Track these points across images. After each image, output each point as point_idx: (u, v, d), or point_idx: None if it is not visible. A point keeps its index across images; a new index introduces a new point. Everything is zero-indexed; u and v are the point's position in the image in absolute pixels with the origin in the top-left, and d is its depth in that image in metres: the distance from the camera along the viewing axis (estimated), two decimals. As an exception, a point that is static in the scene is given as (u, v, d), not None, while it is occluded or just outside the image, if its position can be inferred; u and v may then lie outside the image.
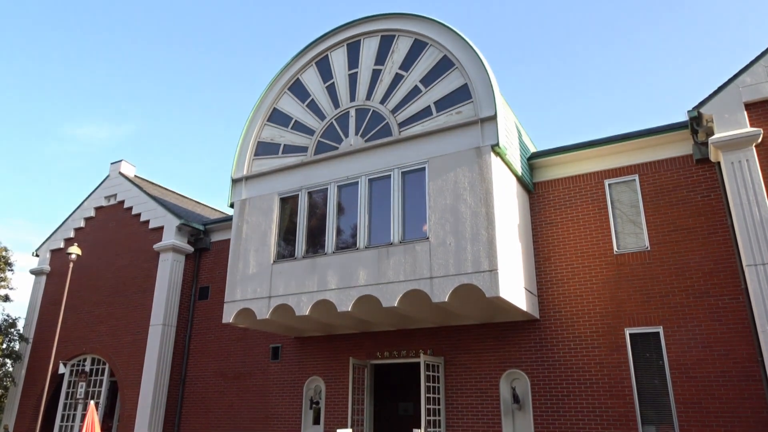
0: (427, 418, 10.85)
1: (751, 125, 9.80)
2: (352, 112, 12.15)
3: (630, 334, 10.37)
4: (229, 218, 15.77)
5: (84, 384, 16.37)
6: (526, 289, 10.75)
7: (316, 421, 13.14)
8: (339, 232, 11.66)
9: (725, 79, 10.18)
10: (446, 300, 9.79)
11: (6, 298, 18.04)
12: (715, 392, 9.43)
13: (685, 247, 10.37)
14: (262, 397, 13.92)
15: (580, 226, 11.42)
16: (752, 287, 9.04)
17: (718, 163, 10.27)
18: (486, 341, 11.59)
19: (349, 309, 10.68)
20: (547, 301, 11.28)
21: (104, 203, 18.36)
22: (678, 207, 10.65)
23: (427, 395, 10.98)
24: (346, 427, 11.98)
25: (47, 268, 18.66)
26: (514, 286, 10.10)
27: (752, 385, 9.21)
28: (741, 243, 9.37)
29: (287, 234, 12.22)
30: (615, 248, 10.97)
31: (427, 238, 10.38)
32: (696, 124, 10.32)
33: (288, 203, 12.45)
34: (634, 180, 11.25)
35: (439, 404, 11.47)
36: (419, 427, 10.65)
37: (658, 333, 10.15)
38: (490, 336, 11.58)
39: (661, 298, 10.28)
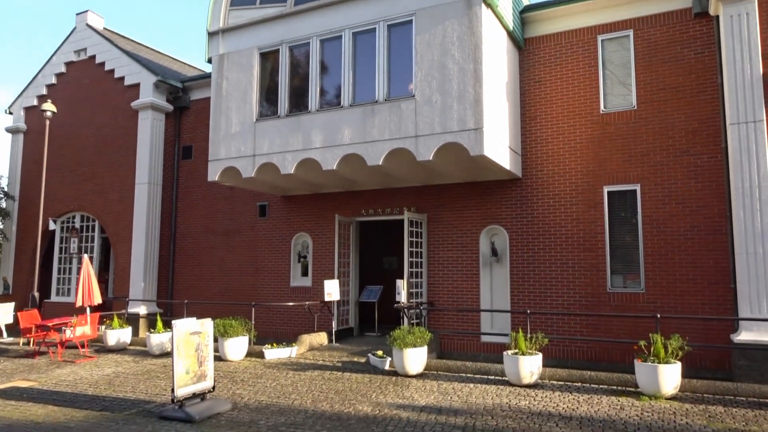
0: (410, 270, 11.46)
1: (758, -25, 9.25)
2: (335, -44, 11.18)
3: (608, 192, 10.68)
4: (208, 75, 15.17)
5: (76, 240, 16.81)
6: (510, 148, 10.81)
7: (305, 273, 13.84)
8: (323, 89, 11.34)
9: None
10: (431, 158, 9.85)
11: (-15, 157, 17.76)
12: (683, 245, 9.98)
13: (671, 106, 10.32)
14: (252, 251, 14.48)
15: (568, 85, 11.21)
16: (732, 145, 9.17)
17: (717, 17, 9.86)
18: (468, 199, 11.90)
19: (335, 167, 10.75)
20: (530, 160, 11.40)
21: (74, 58, 17.44)
22: (669, 64, 10.41)
23: (410, 249, 11.50)
24: (333, 278, 12.66)
25: (23, 126, 18.20)
26: (498, 145, 10.13)
27: (719, 238, 9.74)
28: (728, 101, 9.32)
29: (269, 92, 11.86)
30: (602, 107, 10.88)
31: (413, 96, 10.16)
32: (700, -27, 9.72)
33: (269, 60, 11.93)
34: (628, 36, 10.84)
35: (421, 257, 12.06)
36: (402, 278, 11.29)
37: (635, 190, 10.46)
38: (472, 194, 11.86)
39: (642, 156, 10.44)
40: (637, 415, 6.77)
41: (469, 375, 9.18)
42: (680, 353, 7.86)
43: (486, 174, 11.31)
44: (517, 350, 8.59)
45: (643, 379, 7.71)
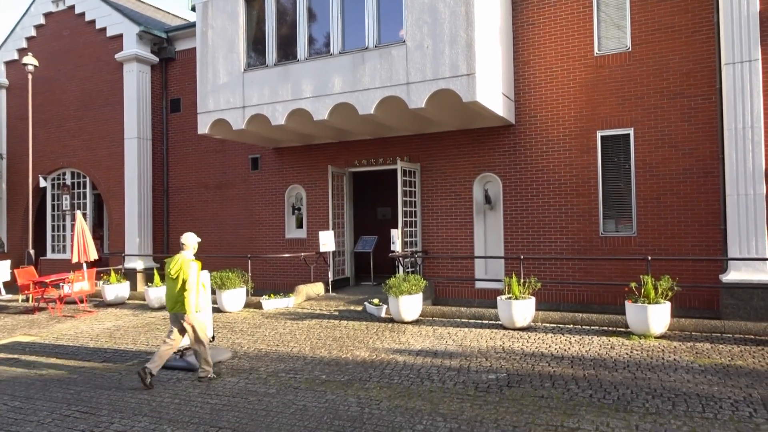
0: (404, 219, 11.51)
1: None
2: None
3: (601, 137, 10.62)
4: (192, 24, 14.72)
5: (68, 196, 16.70)
6: (503, 94, 10.66)
7: (299, 225, 13.88)
8: (311, 37, 11.05)
9: None
10: (423, 106, 9.72)
11: (-32, 114, 17.42)
12: (675, 188, 10.02)
13: (666, 47, 10.14)
14: (246, 204, 14.46)
15: (562, 27, 10.96)
16: (726, 86, 9.07)
17: (716, -48, 9.56)
18: (461, 147, 11.82)
19: (326, 117, 10.60)
20: (523, 105, 11.27)
21: (53, 8, 16.83)
22: (665, 3, 10.16)
23: (404, 199, 11.51)
24: (327, 230, 12.71)
25: (5, 81, 17.73)
26: (491, 91, 9.99)
27: (710, 180, 9.77)
28: (723, 40, 9.16)
29: (257, 41, 11.55)
30: (596, 50, 10.68)
31: (404, 41, 9.92)
32: None
33: (254, 7, 11.56)
34: (625, -26, 10.53)
35: (415, 207, 12.09)
36: (396, 227, 11.35)
37: (628, 135, 10.41)
38: (465, 142, 11.78)
39: (636, 100, 10.33)
40: (627, 354, 6.98)
41: (463, 320, 9.37)
42: (670, 294, 8.03)
43: (479, 121, 11.20)
44: (510, 295, 8.74)
45: (633, 319, 7.90)
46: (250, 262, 12.39)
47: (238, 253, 13.99)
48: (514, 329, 8.50)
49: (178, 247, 15.07)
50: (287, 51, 11.23)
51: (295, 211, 13.97)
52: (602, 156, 10.64)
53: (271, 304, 11.12)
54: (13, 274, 14.39)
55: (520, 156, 11.29)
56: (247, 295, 11.56)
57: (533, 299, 8.69)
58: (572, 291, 10.74)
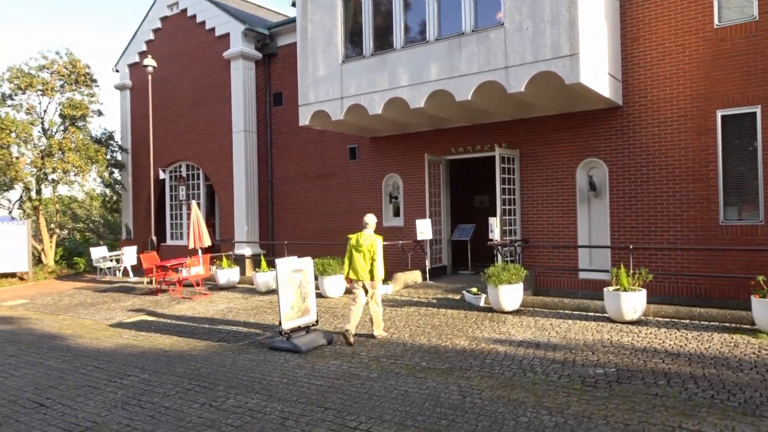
0: (503, 207, 11.27)
1: None
2: None
3: (722, 116, 9.73)
4: (292, 20, 15.26)
5: (184, 187, 18.05)
6: (609, 74, 10.07)
7: (396, 214, 14.03)
8: (407, 25, 11.05)
9: None
10: (522, 90, 9.42)
11: (99, 113, 19.26)
12: (810, 172, 8.99)
13: (802, 14, 9.07)
14: (344, 194, 14.84)
15: (677, -1, 10.13)
16: None
17: None
18: (563, 131, 11.34)
19: (422, 105, 10.59)
20: (632, 86, 10.59)
21: (168, 12, 18.15)
22: (802, -36, 9.08)
23: (502, 186, 11.26)
24: (424, 218, 12.74)
25: (128, 82, 19.42)
26: (596, 72, 9.47)
27: None
28: None
29: (353, 32, 11.74)
30: (716, 21, 9.78)
31: (502, 24, 9.65)
32: None
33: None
34: (752, -65, 9.52)
35: (514, 194, 11.79)
36: (495, 215, 11.14)
37: (754, 113, 9.45)
38: (567, 126, 11.29)
39: (764, 75, 9.34)
40: (754, 353, 6.39)
41: (566, 311, 9.05)
42: (805, 288, 7.25)
43: (582, 104, 10.68)
44: (618, 286, 8.31)
45: (760, 316, 7.22)
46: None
47: (338, 241, 14.40)
48: (623, 322, 8.08)
49: (282, 235, 15.77)
50: (383, 41, 11.32)
51: (392, 200, 14.13)
52: (723, 137, 9.75)
53: (370, 290, 11.35)
54: (138, 259, 15.84)
55: (628, 139, 10.63)
56: (347, 281, 11.87)
57: (644, 291, 8.19)
58: (687, 284, 10.00)
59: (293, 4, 12.74)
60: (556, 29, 9.05)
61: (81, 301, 13.04)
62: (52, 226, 19.56)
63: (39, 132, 18.20)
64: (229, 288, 13.59)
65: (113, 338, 8.96)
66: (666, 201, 10.24)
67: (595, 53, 9.44)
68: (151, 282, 14.79)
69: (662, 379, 5.65)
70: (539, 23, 9.22)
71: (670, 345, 6.87)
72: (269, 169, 16.46)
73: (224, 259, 13.96)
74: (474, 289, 10.12)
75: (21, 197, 18.99)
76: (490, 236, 11.04)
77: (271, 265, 13.27)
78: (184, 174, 18.21)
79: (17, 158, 17.43)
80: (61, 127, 18.38)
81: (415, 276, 12.28)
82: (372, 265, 7.83)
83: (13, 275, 16.99)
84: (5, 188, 18.62)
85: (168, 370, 6.93)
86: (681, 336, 7.25)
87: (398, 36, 11.03)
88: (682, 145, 10.08)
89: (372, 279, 7.86)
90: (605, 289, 8.39)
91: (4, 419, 5.48)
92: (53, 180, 17.96)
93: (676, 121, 10.14)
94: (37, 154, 17.47)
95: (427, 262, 12.63)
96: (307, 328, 7.95)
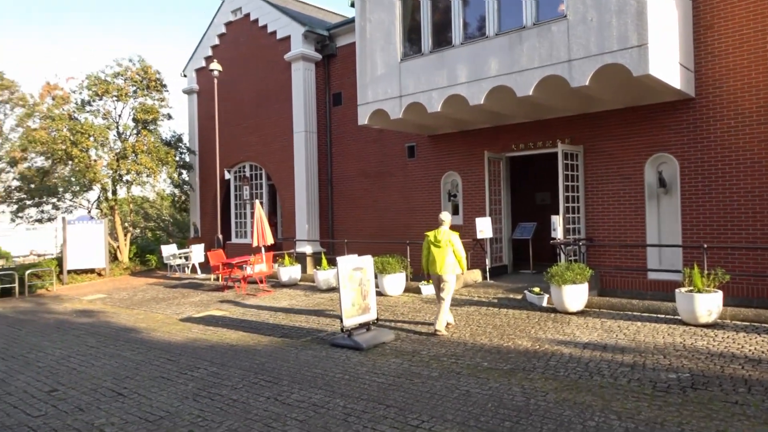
0: (566, 205, 10.96)
1: None
2: None
3: (808, 106, 9.09)
4: (350, 21, 15.41)
5: (247, 187, 18.62)
6: (680, 64, 9.60)
7: (455, 212, 13.92)
8: (465, 21, 10.94)
9: None
10: (587, 84, 9.12)
11: (169, 117, 20.16)
12: None
13: None
14: (403, 192, 14.87)
15: (757, -18, 9.52)
16: None
17: None
18: (630, 126, 10.90)
19: (482, 102, 10.45)
20: (705, 76, 10.04)
21: (232, 18, 18.76)
22: None
23: (565, 183, 10.95)
24: (484, 216, 12.58)
25: (196, 86, 20.21)
26: (666, 62, 9.04)
27: None
28: None
29: (412, 30, 11.73)
30: (802, 4, 9.13)
31: (565, 16, 9.37)
32: None
33: (409, -4, 11.74)
34: None
35: (577, 191, 11.44)
36: (557, 213, 10.86)
37: None
38: (635, 120, 10.84)
39: None
40: None
41: (635, 313, 8.70)
42: None
43: (651, 96, 10.23)
44: (691, 287, 7.91)
45: None
46: (408, 248, 12.73)
47: (397, 239, 14.45)
48: (697, 325, 7.68)
49: (342, 233, 16.00)
50: (441, 37, 11.24)
51: (451, 198, 14.03)
52: (809, 128, 9.10)
53: (430, 289, 11.33)
54: (206, 257, 16.48)
55: (701, 133, 10.10)
56: (406, 279, 11.91)
57: (720, 293, 7.76)
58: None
59: (352, 5, 12.87)
60: (623, 19, 8.70)
61: (153, 296, 13.70)
62: (126, 224, 20.65)
63: (114, 136, 19.30)
64: (290, 285, 13.91)
65: (183, 332, 9.37)
66: (744, 198, 9.65)
67: (664, 43, 9.02)
68: (217, 279, 15.35)
69: (742, 387, 5.33)
70: (605, 14, 8.90)
71: (749, 350, 6.47)
72: (329, 169, 16.72)
73: (286, 257, 14.30)
74: (536, 289, 9.90)
75: (99, 197, 20.15)
76: (553, 235, 10.77)
77: (332, 263, 13.50)
78: (247, 174, 18.79)
79: (95, 161, 18.52)
80: (134, 131, 19.37)
81: (475, 275, 12.14)
82: (455, 257, 8.19)
83: (92, 271, 18.06)
84: (85, 189, 19.81)
85: (235, 363, 7.17)
86: (762, 341, 6.82)
87: (457, 32, 10.93)
88: (762, 138, 9.48)
89: (449, 273, 8.17)
90: (677, 290, 8.00)
91: (86, 406, 5.84)
92: (127, 181, 18.95)
93: (756, 112, 9.54)
94: (113, 156, 18.49)
95: (488, 261, 12.46)
96: (367, 326, 8.02)
